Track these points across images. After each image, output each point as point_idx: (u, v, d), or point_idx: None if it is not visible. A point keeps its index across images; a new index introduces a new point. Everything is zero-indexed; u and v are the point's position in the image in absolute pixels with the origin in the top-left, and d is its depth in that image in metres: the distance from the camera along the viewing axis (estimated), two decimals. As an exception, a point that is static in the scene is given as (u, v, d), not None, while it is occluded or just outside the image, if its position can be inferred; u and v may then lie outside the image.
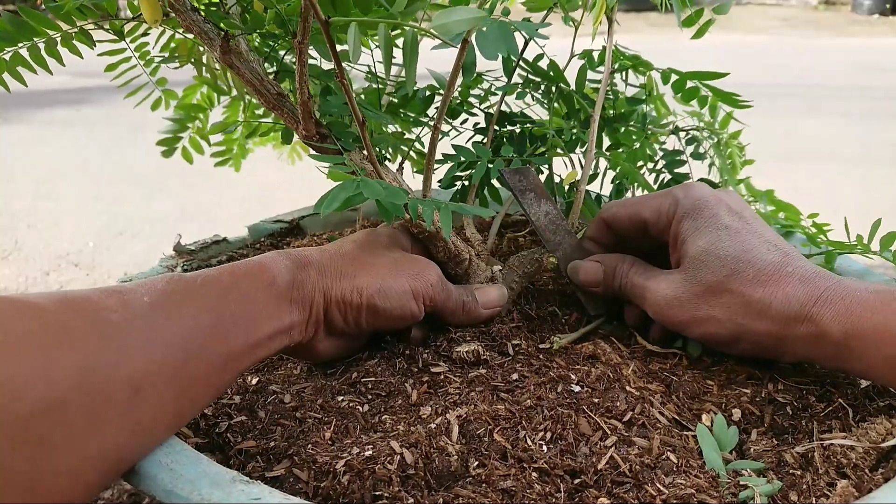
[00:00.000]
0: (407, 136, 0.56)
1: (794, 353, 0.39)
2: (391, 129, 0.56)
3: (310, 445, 0.35)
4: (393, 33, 0.41)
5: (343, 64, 0.37)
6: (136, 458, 0.30)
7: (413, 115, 0.54)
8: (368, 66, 0.55)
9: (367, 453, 0.32)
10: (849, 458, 0.34)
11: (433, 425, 0.35)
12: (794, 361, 0.41)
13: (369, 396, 0.39)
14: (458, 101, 0.55)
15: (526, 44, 0.51)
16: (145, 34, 0.53)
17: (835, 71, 3.74)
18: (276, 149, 0.67)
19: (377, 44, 0.34)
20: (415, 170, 0.60)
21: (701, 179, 0.58)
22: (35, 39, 0.46)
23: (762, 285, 0.38)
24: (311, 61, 0.51)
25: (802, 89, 3.03)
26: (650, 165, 0.59)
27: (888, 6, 7.21)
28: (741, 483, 0.32)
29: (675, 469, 0.33)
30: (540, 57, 0.53)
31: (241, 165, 0.68)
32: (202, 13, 0.42)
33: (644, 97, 0.57)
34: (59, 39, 0.47)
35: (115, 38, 0.52)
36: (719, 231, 0.40)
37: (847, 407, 0.38)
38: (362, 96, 0.53)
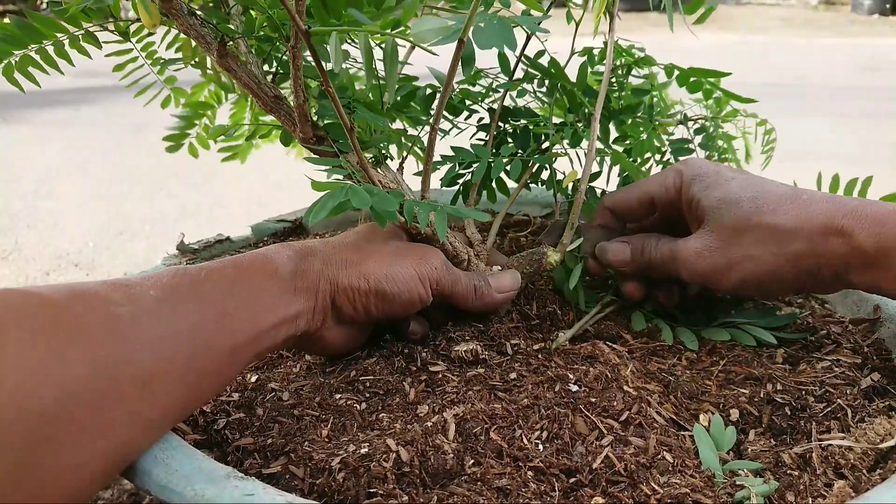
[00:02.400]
0: (410, 132, 0.56)
1: (833, 272, 0.39)
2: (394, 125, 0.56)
3: (306, 443, 0.35)
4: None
5: (343, 64, 0.37)
6: (141, 452, 0.30)
7: (415, 113, 0.54)
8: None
9: (362, 451, 0.32)
10: (847, 458, 0.34)
11: (430, 424, 0.35)
12: (834, 284, 0.41)
13: (367, 395, 0.39)
14: (459, 99, 0.55)
15: (527, 40, 0.51)
16: (150, 34, 0.53)
17: (835, 71, 3.73)
18: (288, 147, 0.66)
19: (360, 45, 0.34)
20: (417, 172, 0.60)
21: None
22: (43, 42, 0.46)
23: (785, 213, 0.40)
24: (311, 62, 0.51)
25: (802, 89, 3.03)
26: (657, 157, 0.58)
27: (888, 6, 7.21)
28: (737, 483, 0.32)
29: (670, 469, 0.33)
30: (541, 54, 0.53)
31: (247, 158, 0.68)
32: (199, 17, 0.42)
33: (649, 88, 0.57)
34: (66, 42, 0.47)
35: (121, 39, 0.52)
36: (729, 182, 0.43)
37: (846, 407, 0.38)
38: (370, 94, 0.53)
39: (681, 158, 0.56)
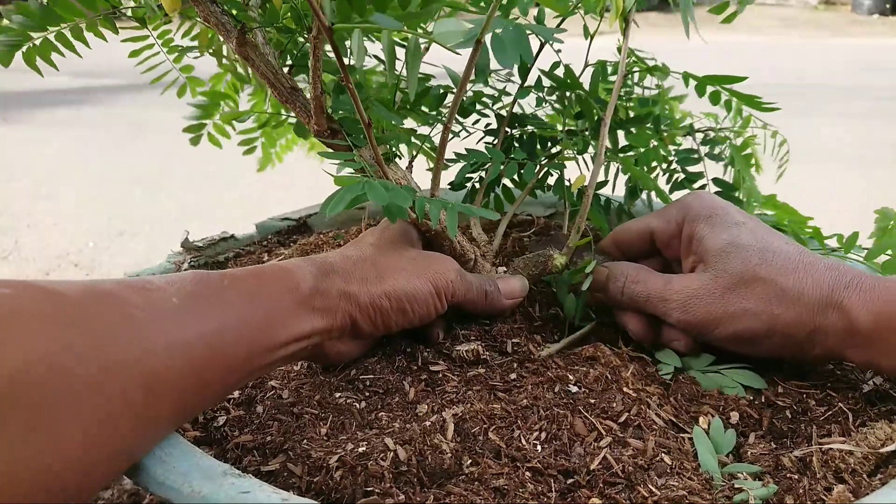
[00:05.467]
0: (420, 132, 0.56)
1: (824, 346, 0.38)
2: (405, 124, 0.56)
3: (305, 441, 0.35)
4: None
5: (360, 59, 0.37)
6: (143, 454, 0.30)
7: (427, 111, 0.54)
8: (384, 61, 0.55)
9: (360, 449, 0.32)
10: (847, 462, 0.33)
11: (428, 423, 0.35)
12: (823, 359, 0.39)
13: (367, 393, 0.39)
14: (471, 101, 0.55)
15: (541, 47, 0.51)
16: (167, 22, 0.53)
17: (835, 71, 3.73)
18: (302, 138, 0.65)
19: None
20: (428, 167, 0.60)
21: (715, 179, 0.58)
22: (61, 26, 0.46)
23: (792, 273, 0.38)
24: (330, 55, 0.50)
25: (802, 89, 3.03)
26: (664, 166, 0.58)
27: (888, 6, 7.22)
28: (736, 486, 0.32)
29: (668, 471, 0.33)
30: (556, 65, 0.53)
31: (266, 166, 0.68)
32: (220, 4, 0.42)
33: (657, 100, 0.57)
34: (84, 26, 0.47)
35: (138, 25, 0.52)
36: (738, 227, 0.41)
37: (847, 411, 0.38)
38: (382, 89, 0.53)
39: (694, 191, 0.53)
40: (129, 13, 0.50)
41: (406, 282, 0.40)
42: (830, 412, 0.38)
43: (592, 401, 0.37)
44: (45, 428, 0.25)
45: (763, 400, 0.39)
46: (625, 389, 0.39)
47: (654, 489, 0.31)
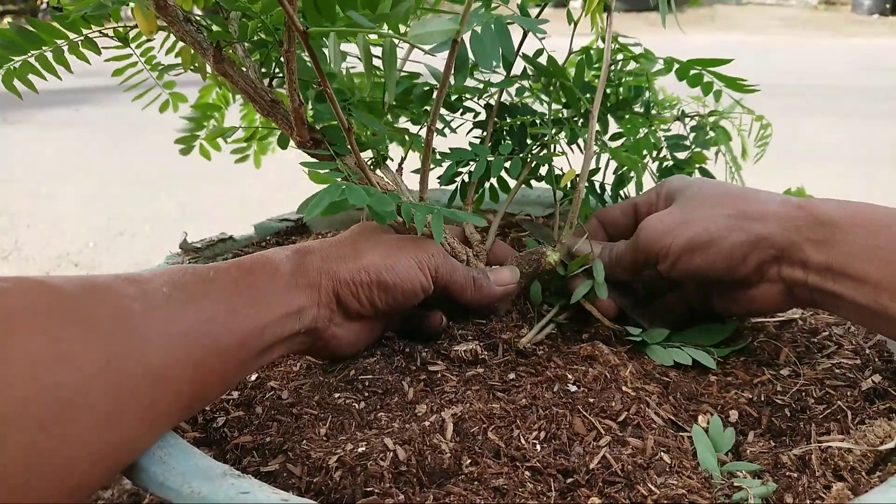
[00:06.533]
0: (414, 131, 0.55)
1: (780, 250, 0.39)
2: (400, 123, 0.56)
3: (305, 441, 0.35)
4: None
5: (344, 63, 0.37)
6: (148, 448, 0.31)
7: (416, 111, 0.54)
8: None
9: (360, 450, 0.33)
10: (846, 460, 0.33)
11: (428, 423, 0.35)
12: (777, 274, 0.40)
13: (366, 394, 0.39)
14: (457, 96, 0.55)
15: (524, 37, 0.51)
16: (150, 40, 0.53)
17: (835, 71, 3.74)
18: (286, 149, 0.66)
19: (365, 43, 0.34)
20: (415, 169, 0.60)
21: (700, 169, 0.58)
22: (43, 49, 0.47)
23: (751, 191, 0.42)
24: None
25: (802, 89, 3.03)
26: (654, 154, 0.58)
27: (888, 6, 7.22)
28: (735, 484, 0.32)
29: (667, 469, 0.33)
30: (539, 52, 0.53)
31: (261, 163, 0.68)
32: (194, 23, 0.42)
33: (645, 84, 0.57)
34: (65, 48, 0.47)
35: (120, 44, 0.52)
36: (704, 182, 0.47)
37: (846, 409, 0.38)
38: (371, 93, 0.53)
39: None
40: (111, 33, 0.50)
41: (385, 256, 0.40)
42: (829, 410, 0.38)
43: (591, 400, 0.37)
44: (58, 426, 0.25)
45: (762, 398, 0.39)
46: (624, 388, 0.39)
47: (653, 488, 0.31)
